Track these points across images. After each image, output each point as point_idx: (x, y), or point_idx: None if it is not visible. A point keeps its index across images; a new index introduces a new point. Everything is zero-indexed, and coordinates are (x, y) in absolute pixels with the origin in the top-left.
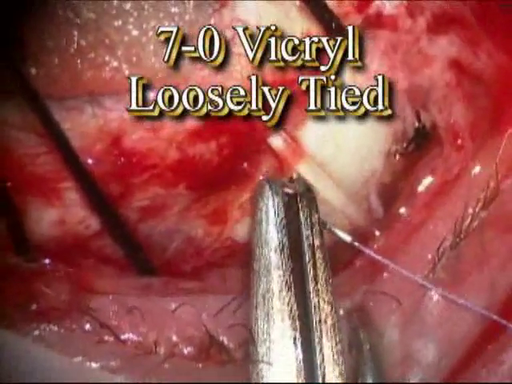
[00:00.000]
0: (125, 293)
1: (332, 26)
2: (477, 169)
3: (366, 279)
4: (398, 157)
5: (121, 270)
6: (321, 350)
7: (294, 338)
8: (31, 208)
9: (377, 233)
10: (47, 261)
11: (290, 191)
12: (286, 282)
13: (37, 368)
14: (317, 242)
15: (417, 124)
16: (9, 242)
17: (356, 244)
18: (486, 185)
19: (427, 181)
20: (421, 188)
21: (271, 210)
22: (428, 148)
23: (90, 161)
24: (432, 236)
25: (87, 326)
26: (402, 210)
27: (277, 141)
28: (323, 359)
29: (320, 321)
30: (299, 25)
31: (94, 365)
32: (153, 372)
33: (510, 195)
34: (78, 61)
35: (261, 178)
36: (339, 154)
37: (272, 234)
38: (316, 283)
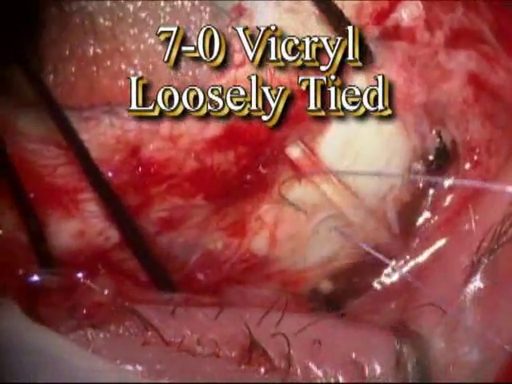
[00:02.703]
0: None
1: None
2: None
3: (402, 295)
4: (419, 175)
5: (141, 285)
6: None
7: None
8: (51, 220)
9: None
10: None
11: None
12: None
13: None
14: None
15: (438, 144)
16: (32, 255)
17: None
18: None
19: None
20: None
21: None
22: (448, 167)
23: (108, 171)
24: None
25: (133, 329)
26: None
27: (295, 151)
28: None
29: None
30: (317, 35)
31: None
32: (194, 373)
33: None
34: (95, 69)
35: None
36: (357, 166)
37: None
38: None
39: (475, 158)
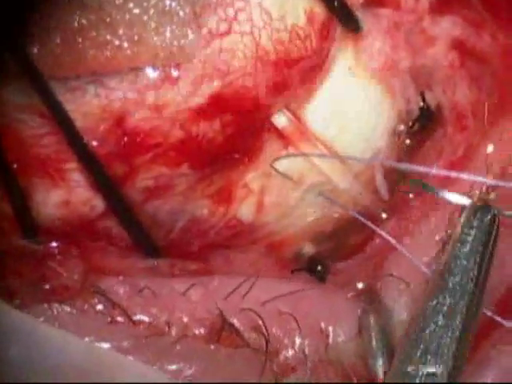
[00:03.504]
0: (132, 274)
1: (335, 4)
2: (490, 148)
3: (377, 264)
4: (403, 138)
5: (127, 251)
6: None
7: None
8: (36, 190)
9: (383, 215)
10: (55, 243)
11: None
12: None
13: (51, 350)
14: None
15: (422, 104)
16: (16, 224)
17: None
18: (497, 166)
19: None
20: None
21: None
22: (433, 129)
23: (93, 141)
24: (440, 220)
25: (99, 307)
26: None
27: (281, 119)
28: None
29: None
30: (302, 3)
31: (105, 345)
32: (164, 353)
33: None
34: (80, 40)
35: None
36: (344, 133)
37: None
38: None
39: (463, 122)
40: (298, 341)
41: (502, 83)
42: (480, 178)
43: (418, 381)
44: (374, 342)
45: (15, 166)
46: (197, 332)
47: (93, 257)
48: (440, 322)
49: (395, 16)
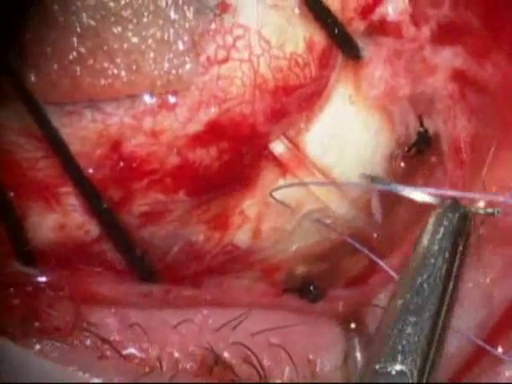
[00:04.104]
0: (125, 301)
1: (335, 32)
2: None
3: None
4: (399, 161)
5: (121, 276)
6: None
7: None
8: (31, 213)
9: (374, 235)
10: (46, 277)
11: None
12: None
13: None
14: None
15: (420, 128)
16: (10, 247)
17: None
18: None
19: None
20: None
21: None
22: (429, 155)
23: (89, 166)
24: None
25: (88, 342)
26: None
27: (278, 147)
28: None
29: None
30: (302, 31)
31: (96, 380)
32: None
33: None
34: (78, 67)
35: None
36: (342, 159)
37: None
38: None
39: (462, 157)
40: (287, 371)
41: (503, 113)
42: (477, 195)
43: (386, 379)
44: (358, 371)
45: (10, 188)
46: (188, 366)
47: (86, 281)
48: (408, 321)
49: (396, 44)
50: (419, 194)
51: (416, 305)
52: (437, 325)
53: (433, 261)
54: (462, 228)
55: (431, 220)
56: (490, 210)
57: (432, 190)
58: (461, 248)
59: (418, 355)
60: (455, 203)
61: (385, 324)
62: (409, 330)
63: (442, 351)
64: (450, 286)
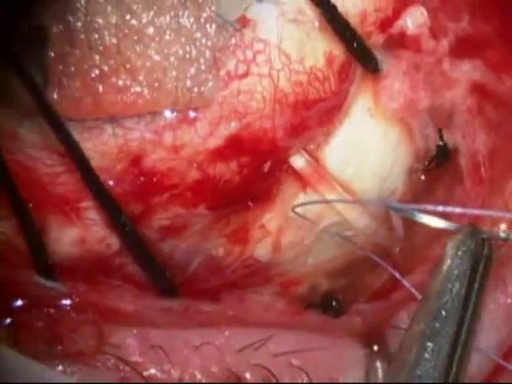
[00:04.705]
0: (146, 316)
1: (354, 45)
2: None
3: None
4: (419, 174)
5: (142, 290)
6: None
7: None
8: (51, 227)
9: (396, 250)
10: (69, 300)
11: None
12: None
13: None
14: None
15: (439, 142)
16: (31, 261)
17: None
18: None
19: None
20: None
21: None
22: (448, 169)
23: (110, 180)
24: None
25: (110, 363)
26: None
27: (299, 161)
28: None
29: None
30: (321, 45)
31: None
32: None
33: None
34: (100, 85)
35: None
36: (361, 174)
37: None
38: None
39: (480, 173)
40: None
41: None
42: (500, 214)
43: None
44: None
45: (31, 203)
46: None
47: (107, 296)
48: (425, 346)
49: (415, 57)
50: (436, 221)
51: (434, 330)
52: (455, 350)
53: (450, 286)
54: (481, 253)
55: (450, 245)
56: (508, 236)
57: (450, 209)
58: (481, 272)
59: (435, 380)
60: (474, 229)
61: (403, 349)
62: (426, 355)
63: (462, 375)
64: (470, 311)
